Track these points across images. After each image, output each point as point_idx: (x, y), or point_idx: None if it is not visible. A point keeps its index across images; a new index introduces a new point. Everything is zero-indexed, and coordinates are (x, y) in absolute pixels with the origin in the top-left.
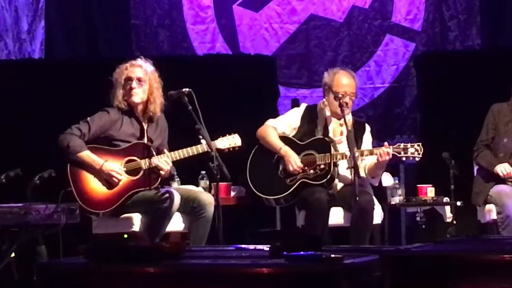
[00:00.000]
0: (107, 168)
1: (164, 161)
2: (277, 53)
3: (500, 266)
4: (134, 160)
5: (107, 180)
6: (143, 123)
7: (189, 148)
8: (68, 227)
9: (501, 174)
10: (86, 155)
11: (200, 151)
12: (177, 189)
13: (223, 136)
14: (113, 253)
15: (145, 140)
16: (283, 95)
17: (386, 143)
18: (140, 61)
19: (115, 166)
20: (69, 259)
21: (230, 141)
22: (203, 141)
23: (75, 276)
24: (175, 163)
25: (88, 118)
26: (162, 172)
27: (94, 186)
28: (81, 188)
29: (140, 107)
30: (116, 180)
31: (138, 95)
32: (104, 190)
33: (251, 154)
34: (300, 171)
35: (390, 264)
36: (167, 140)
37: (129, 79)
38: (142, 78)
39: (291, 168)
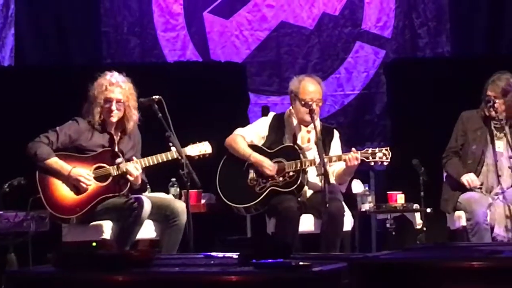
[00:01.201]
0: (76, 174)
1: (134, 167)
2: (247, 60)
3: (468, 273)
4: (103, 167)
5: (76, 186)
6: (115, 136)
7: (158, 155)
8: (38, 235)
9: (466, 184)
10: (54, 161)
11: (170, 158)
12: (149, 197)
13: (193, 143)
14: (81, 261)
15: (116, 150)
16: (253, 102)
17: (353, 148)
18: (118, 79)
19: (84, 172)
20: (37, 268)
21: (201, 148)
22: (173, 148)
23: (43, 284)
24: (145, 170)
25: (57, 127)
26: (131, 178)
27: (63, 192)
28: (50, 194)
29: (114, 124)
30: (85, 186)
31: (116, 116)
32: (73, 196)
33: (220, 164)
34: (276, 172)
35: (358, 272)
36: (140, 153)
37: (108, 100)
38: (121, 100)
39: (268, 172)
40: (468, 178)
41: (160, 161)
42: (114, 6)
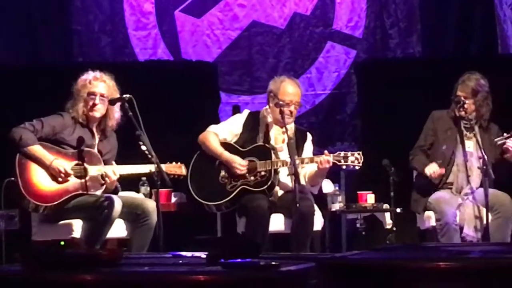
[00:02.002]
0: (57, 164)
1: (112, 171)
2: (218, 59)
3: (435, 273)
4: (82, 165)
5: (55, 176)
6: (96, 135)
7: (137, 166)
8: (8, 233)
9: (428, 174)
10: (38, 148)
11: (148, 171)
12: (120, 196)
13: (170, 163)
14: (49, 260)
15: (95, 150)
16: (224, 102)
17: (326, 151)
18: (103, 74)
19: (66, 165)
20: (5, 267)
21: (176, 169)
22: (143, 147)
23: (11, 283)
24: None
25: (42, 118)
26: (108, 180)
27: (40, 179)
28: (27, 179)
29: (96, 120)
30: (63, 177)
31: (99, 111)
32: (50, 185)
33: (192, 160)
34: (246, 170)
35: (326, 272)
36: (114, 158)
37: (92, 94)
38: (105, 95)
39: (238, 172)
40: (430, 169)
41: (138, 172)
42: (85, 4)
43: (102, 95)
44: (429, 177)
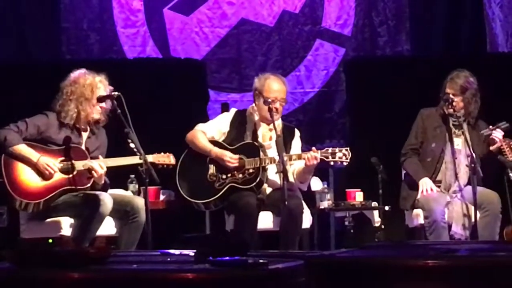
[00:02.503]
0: (43, 161)
1: (98, 164)
2: (207, 57)
3: (423, 271)
4: (69, 161)
5: (41, 173)
6: (83, 133)
7: (123, 158)
8: None
9: (420, 189)
10: (23, 148)
11: (134, 163)
12: (109, 193)
13: (158, 153)
14: (37, 258)
15: (82, 147)
16: (213, 99)
17: (314, 147)
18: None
19: (51, 160)
20: None
21: (165, 159)
22: (132, 144)
23: None
24: (107, 170)
25: (27, 119)
26: (95, 175)
27: (27, 177)
28: (14, 179)
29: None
30: (49, 173)
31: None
32: (37, 182)
33: (181, 159)
34: (238, 164)
35: (314, 270)
36: (104, 155)
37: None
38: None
39: (230, 165)
40: (424, 184)
41: (125, 163)
42: (74, 2)
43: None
44: (420, 190)
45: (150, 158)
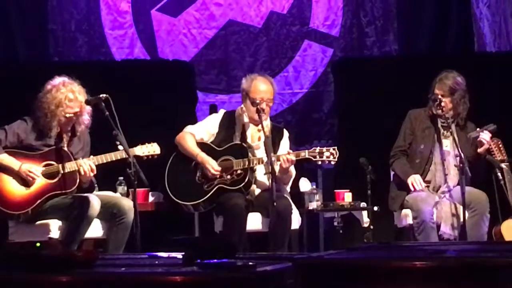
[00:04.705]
0: (25, 168)
1: (88, 164)
2: (195, 58)
3: (411, 273)
4: (52, 164)
5: (25, 180)
6: (65, 137)
7: (108, 154)
8: None
9: (411, 187)
10: (3, 157)
11: (119, 158)
12: (96, 195)
13: (142, 144)
14: (24, 262)
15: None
16: (201, 101)
17: (290, 150)
18: (75, 90)
19: (33, 167)
20: None
21: (149, 149)
22: (120, 146)
23: None
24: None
25: (5, 126)
26: (82, 172)
27: (11, 188)
28: None
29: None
30: (32, 178)
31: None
32: (21, 192)
33: (169, 161)
34: (218, 175)
35: (302, 272)
36: (89, 155)
37: (68, 115)
38: (78, 112)
39: (209, 174)
40: (413, 180)
41: (109, 160)
42: (61, 3)
43: (76, 113)
44: (409, 187)
45: (135, 151)
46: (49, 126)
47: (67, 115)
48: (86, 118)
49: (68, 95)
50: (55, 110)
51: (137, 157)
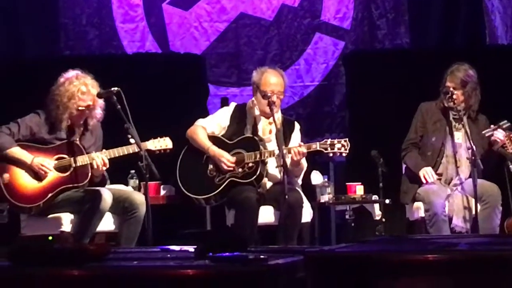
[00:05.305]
0: (37, 162)
1: (100, 157)
2: (207, 51)
3: (423, 266)
4: (64, 158)
5: (37, 174)
6: (77, 131)
7: (120, 148)
8: None
9: (423, 179)
10: (16, 150)
11: (131, 152)
12: (108, 189)
13: (154, 138)
14: (36, 255)
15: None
16: (212, 94)
17: (301, 142)
18: (88, 83)
19: (45, 160)
20: None
21: (162, 143)
22: (132, 140)
23: None
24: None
25: (18, 120)
26: (94, 166)
27: (23, 181)
28: (10, 183)
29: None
30: (44, 172)
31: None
32: (33, 185)
33: (181, 154)
34: (233, 167)
35: (314, 265)
36: (101, 149)
37: (80, 107)
38: (90, 105)
39: (224, 166)
40: (425, 172)
41: (122, 154)
42: None
43: (88, 106)
44: (421, 179)
45: (148, 145)
46: (61, 118)
47: (79, 108)
48: (98, 112)
49: (81, 88)
50: (67, 102)
51: (149, 151)
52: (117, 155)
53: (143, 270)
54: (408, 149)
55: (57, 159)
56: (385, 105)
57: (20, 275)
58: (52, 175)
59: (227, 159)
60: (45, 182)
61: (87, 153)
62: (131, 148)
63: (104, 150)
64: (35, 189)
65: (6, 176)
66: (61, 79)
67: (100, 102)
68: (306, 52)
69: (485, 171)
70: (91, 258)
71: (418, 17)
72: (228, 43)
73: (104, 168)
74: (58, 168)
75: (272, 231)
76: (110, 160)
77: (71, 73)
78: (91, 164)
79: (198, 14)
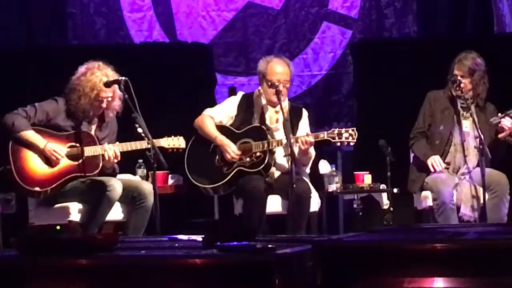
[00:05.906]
0: (50, 147)
1: (113, 149)
2: (214, 41)
3: (431, 255)
4: (76, 146)
5: (48, 159)
6: (93, 121)
7: (133, 143)
8: (5, 217)
9: (431, 168)
10: (31, 133)
11: (144, 147)
12: (117, 178)
13: (168, 136)
14: (45, 245)
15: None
16: (220, 83)
17: (308, 132)
18: (109, 75)
19: (58, 146)
20: (0, 252)
21: (175, 142)
22: (139, 129)
23: (6, 268)
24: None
25: (36, 104)
26: (106, 157)
27: (34, 165)
28: (21, 166)
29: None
30: (56, 158)
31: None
32: (44, 169)
33: (189, 144)
34: (238, 158)
35: (322, 254)
36: (114, 142)
37: (100, 97)
38: (110, 96)
39: (228, 157)
40: (433, 161)
41: (134, 148)
42: None
43: (108, 97)
44: (429, 168)
45: (161, 142)
46: (81, 108)
47: (100, 99)
48: (117, 103)
49: (103, 79)
50: (90, 93)
51: (161, 148)
52: (129, 149)
53: (151, 259)
54: (416, 138)
55: (70, 147)
56: (393, 94)
57: (28, 264)
58: (63, 162)
59: (232, 150)
60: (55, 168)
61: (100, 144)
62: (144, 144)
63: (117, 143)
64: (45, 174)
65: None
66: (82, 69)
67: (119, 93)
68: (313, 41)
69: (493, 160)
70: (99, 247)
71: (426, 6)
72: (236, 33)
73: (116, 161)
74: (70, 156)
75: (280, 220)
76: (123, 153)
77: (93, 64)
78: (102, 155)
79: (205, 3)
